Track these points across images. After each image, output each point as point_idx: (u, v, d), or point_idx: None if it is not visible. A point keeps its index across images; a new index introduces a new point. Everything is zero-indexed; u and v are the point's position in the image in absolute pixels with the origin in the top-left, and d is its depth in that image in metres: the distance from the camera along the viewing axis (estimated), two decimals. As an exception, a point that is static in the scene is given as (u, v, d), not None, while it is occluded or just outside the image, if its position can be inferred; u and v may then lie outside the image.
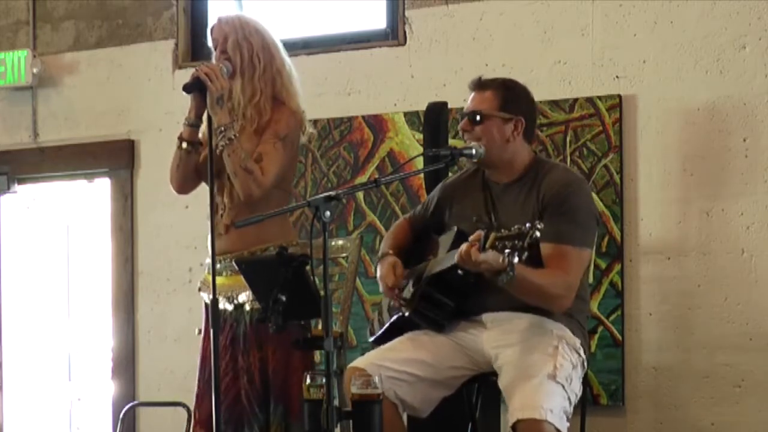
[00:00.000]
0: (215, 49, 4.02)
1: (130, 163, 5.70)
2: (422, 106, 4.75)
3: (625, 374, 4.67)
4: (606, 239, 4.67)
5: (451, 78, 4.98)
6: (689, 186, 4.63)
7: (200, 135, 3.99)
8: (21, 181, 5.96)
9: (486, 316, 3.80)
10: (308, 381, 3.37)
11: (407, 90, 5.12)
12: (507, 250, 3.22)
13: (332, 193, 3.36)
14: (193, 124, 3.98)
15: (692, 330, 4.61)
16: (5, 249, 6.10)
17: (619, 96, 4.72)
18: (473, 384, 3.96)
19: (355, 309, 4.82)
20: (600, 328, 4.67)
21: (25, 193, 6.06)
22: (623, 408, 4.68)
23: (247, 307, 3.94)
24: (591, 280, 4.36)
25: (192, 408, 4.11)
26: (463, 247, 3.39)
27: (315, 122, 4.61)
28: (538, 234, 3.20)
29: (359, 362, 3.77)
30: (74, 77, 5.83)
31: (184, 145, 3.99)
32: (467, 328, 3.82)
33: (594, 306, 4.61)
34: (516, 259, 3.22)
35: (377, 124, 5.14)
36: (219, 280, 3.88)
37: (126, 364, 5.67)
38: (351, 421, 3.36)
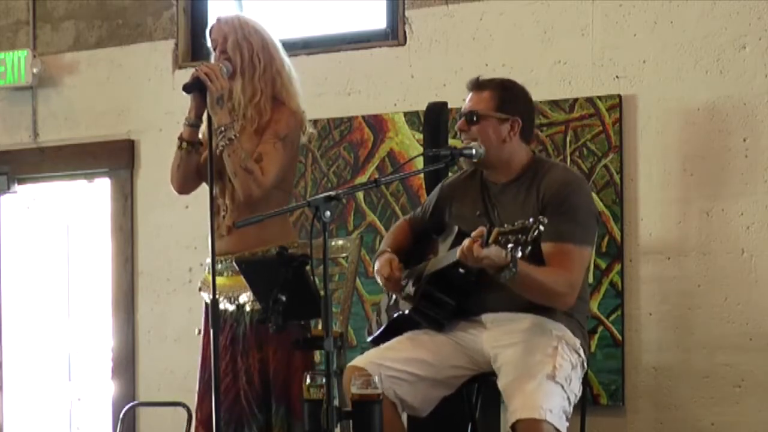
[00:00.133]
0: (214, 50, 4.01)
1: (130, 163, 5.70)
2: (422, 106, 4.75)
3: (625, 374, 4.67)
4: (606, 239, 4.67)
5: (451, 78, 4.98)
6: (689, 186, 4.63)
7: (200, 135, 3.99)
8: (21, 181, 5.96)
9: (486, 317, 3.80)
10: (308, 381, 3.37)
11: (407, 90, 5.12)
12: (510, 245, 3.22)
13: (332, 193, 3.36)
14: (193, 124, 3.97)
15: (692, 330, 4.61)
16: (5, 249, 6.10)
17: (619, 96, 4.72)
18: (473, 384, 3.96)
19: (355, 309, 4.82)
20: (600, 328, 4.67)
21: (25, 193, 6.06)
22: (623, 408, 4.68)
23: (248, 308, 3.94)
24: (591, 280, 4.36)
25: (191, 408, 4.11)
26: (466, 242, 3.39)
27: (315, 122, 4.61)
28: (542, 228, 3.19)
29: (359, 361, 3.76)
30: (74, 77, 5.83)
31: (185, 145, 3.99)
32: (467, 327, 3.82)
33: (594, 306, 4.61)
34: (519, 254, 3.22)
35: (377, 124, 5.14)
36: (220, 280, 3.88)
37: (126, 364, 5.67)
38: (351, 421, 3.36)
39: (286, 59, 4.07)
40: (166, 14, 5.65)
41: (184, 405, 4.91)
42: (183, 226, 5.51)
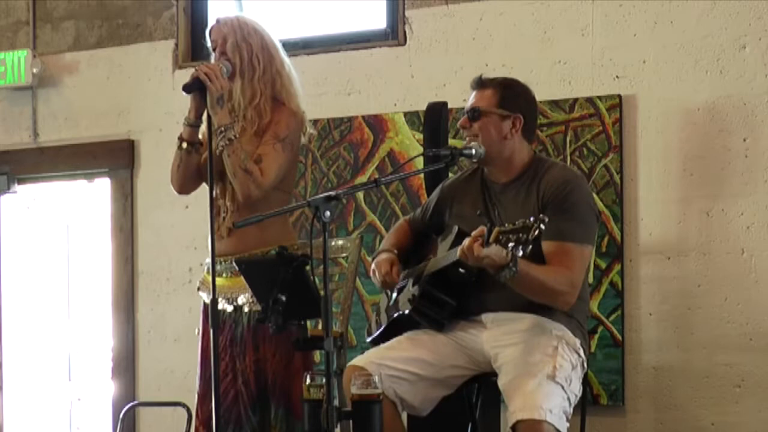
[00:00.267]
0: (214, 51, 4.01)
1: (130, 163, 5.70)
2: (422, 106, 4.75)
3: (625, 374, 4.67)
4: (606, 239, 4.67)
5: (451, 78, 4.99)
6: (689, 186, 4.63)
7: (200, 135, 3.99)
8: (21, 181, 5.96)
9: (486, 316, 3.79)
10: (308, 381, 3.37)
11: (407, 90, 5.12)
12: (510, 244, 3.22)
13: (332, 193, 3.36)
14: (193, 125, 3.97)
15: (692, 330, 4.61)
16: (5, 249, 6.10)
17: (619, 96, 4.72)
18: (473, 384, 3.96)
19: (355, 309, 4.82)
20: (600, 328, 4.67)
21: (25, 193, 6.06)
22: (623, 408, 4.68)
23: (246, 309, 3.94)
24: (591, 280, 4.36)
25: (191, 408, 4.11)
26: (466, 242, 3.39)
27: (315, 122, 4.62)
28: (543, 227, 3.19)
29: (359, 360, 3.76)
30: (74, 77, 5.83)
31: (185, 145, 3.98)
32: (467, 327, 3.82)
33: (594, 306, 4.61)
34: (520, 253, 3.22)
35: (377, 124, 5.14)
36: (219, 281, 3.87)
37: (126, 364, 5.67)
38: (351, 421, 3.36)
39: (286, 59, 4.06)
40: (166, 14, 5.65)
41: (184, 405, 4.91)
42: (183, 227, 5.51)
